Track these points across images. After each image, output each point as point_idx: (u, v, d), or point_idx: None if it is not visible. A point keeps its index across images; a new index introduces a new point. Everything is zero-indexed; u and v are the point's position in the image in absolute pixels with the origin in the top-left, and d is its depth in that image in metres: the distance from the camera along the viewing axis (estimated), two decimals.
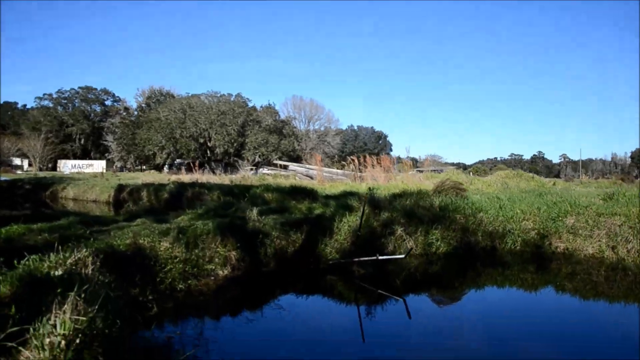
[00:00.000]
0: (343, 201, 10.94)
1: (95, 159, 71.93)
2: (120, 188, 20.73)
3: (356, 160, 21.78)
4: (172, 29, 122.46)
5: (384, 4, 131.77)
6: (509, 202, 10.99)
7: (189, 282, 6.43)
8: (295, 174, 28.94)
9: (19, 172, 57.49)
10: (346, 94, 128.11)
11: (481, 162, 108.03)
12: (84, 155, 75.48)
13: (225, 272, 7.10)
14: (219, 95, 59.19)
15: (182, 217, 8.56)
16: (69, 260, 4.45)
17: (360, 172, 23.34)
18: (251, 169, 36.79)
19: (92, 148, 76.72)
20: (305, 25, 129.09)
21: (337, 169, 32.27)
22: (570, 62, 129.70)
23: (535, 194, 12.46)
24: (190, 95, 61.00)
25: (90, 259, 4.60)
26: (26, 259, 4.41)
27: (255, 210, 8.58)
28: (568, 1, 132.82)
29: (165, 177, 31.13)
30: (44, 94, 77.64)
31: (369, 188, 9.97)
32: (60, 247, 4.77)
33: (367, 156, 22.78)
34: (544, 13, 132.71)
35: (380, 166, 22.50)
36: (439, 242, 9.18)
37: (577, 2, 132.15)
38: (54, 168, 66.04)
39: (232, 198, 13.63)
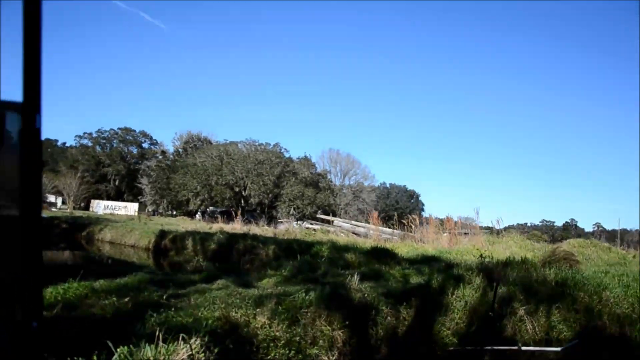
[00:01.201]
0: (438, 268, 9.19)
1: (127, 200, 71.55)
2: (162, 234, 19.34)
3: (417, 220, 19.96)
4: (213, 75, 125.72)
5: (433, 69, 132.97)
6: (627, 278, 9.13)
7: None
8: (342, 230, 27.16)
9: (53, 209, 57.48)
10: (382, 150, 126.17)
11: (511, 227, 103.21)
12: (118, 196, 75.47)
13: (332, 358, 5.37)
14: (257, 144, 58.38)
15: (266, 279, 6.91)
16: (175, 358, 2.83)
17: (411, 232, 21.59)
18: (295, 222, 35.12)
19: (126, 190, 76.94)
20: (347, 77, 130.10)
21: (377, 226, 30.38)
22: (608, 133, 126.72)
23: None
24: (228, 142, 60.72)
25: (203, 355, 2.97)
26: (114, 357, 2.76)
27: (356, 277, 6.86)
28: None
29: (202, 224, 29.75)
30: (84, 133, 79.38)
31: (481, 255, 8.20)
32: (142, 326, 3.18)
33: (429, 216, 21.04)
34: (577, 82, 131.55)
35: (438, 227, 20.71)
36: (561, 325, 7.29)
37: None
38: (87, 207, 65.80)
39: (291, 255, 12.05)
